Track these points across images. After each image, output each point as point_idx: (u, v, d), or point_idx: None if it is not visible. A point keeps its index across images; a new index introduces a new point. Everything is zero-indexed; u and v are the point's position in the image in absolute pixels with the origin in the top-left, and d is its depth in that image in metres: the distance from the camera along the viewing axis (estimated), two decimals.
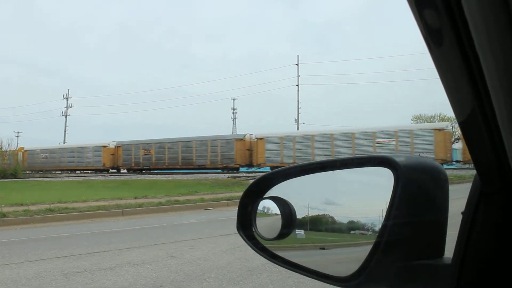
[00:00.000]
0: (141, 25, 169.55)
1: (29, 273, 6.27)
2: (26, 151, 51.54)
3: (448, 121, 38.11)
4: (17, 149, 51.19)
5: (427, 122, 52.59)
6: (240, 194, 1.08)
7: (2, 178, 40.00)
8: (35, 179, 38.62)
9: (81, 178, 36.50)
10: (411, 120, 58.33)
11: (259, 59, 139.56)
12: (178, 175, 35.31)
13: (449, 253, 0.78)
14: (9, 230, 11.36)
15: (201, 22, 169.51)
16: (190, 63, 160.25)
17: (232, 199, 16.11)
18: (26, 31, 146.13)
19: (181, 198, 17.62)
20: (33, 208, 14.17)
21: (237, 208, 1.07)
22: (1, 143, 47.69)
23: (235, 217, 1.06)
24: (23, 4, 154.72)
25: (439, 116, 54.20)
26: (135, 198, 17.82)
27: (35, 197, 18.35)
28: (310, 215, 0.91)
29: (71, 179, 36.53)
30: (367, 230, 0.80)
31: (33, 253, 7.74)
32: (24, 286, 5.64)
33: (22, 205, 15.19)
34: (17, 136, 70.69)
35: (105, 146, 46.23)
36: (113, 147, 46.07)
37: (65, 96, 68.47)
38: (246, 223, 1.04)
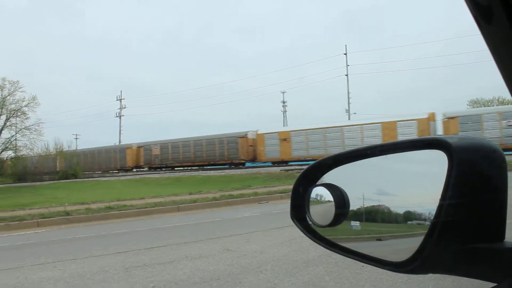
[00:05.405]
0: (179, 24, 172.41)
1: (93, 267, 6.55)
2: None
3: (508, 103, 36.73)
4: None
5: (484, 106, 50.41)
6: None
7: (64, 178, 42.16)
8: (94, 178, 40.32)
9: (138, 176, 37.80)
10: (467, 105, 56.18)
11: (299, 52, 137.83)
12: (218, 171, 36.65)
13: (511, 238, 0.74)
14: (73, 228, 11.94)
15: (239, 18, 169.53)
16: (230, 60, 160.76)
17: (286, 192, 16.07)
18: (78, 41, 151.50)
19: (234, 192, 17.79)
20: (93, 206, 14.78)
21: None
22: (62, 145, 50.33)
23: (289, 210, 1.06)
24: (71, 15, 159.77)
25: (498, 100, 51.84)
26: (190, 194, 18.18)
27: (95, 195, 19.16)
28: (365, 206, 0.89)
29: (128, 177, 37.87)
30: (425, 220, 0.77)
31: (96, 249, 8.08)
32: (90, 280, 5.88)
33: (83, 203, 15.88)
34: (76, 139, 74.12)
35: (128, 148, 50.59)
36: (136, 148, 50.30)
37: (118, 98, 70.96)
38: (300, 211, 1.04)
